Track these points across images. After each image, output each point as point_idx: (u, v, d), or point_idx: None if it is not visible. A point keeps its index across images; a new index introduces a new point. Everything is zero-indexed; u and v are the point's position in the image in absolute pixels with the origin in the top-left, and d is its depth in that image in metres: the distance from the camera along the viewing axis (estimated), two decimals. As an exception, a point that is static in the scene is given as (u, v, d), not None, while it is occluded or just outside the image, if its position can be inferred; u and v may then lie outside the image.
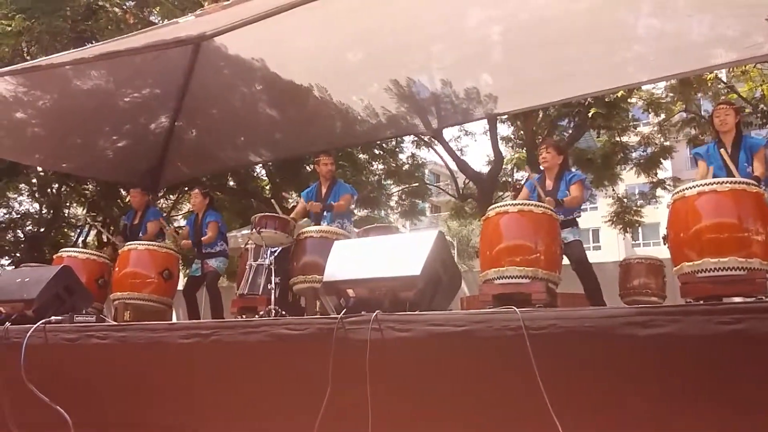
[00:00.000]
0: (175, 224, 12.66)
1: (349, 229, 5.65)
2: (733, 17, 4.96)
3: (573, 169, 5.52)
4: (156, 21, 10.26)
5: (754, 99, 11.32)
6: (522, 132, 12.73)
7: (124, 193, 12.10)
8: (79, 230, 14.95)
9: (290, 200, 13.25)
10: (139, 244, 5.61)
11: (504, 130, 13.80)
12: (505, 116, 11.79)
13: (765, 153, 4.27)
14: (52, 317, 3.98)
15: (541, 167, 4.95)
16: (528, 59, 5.81)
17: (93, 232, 14.92)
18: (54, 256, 5.88)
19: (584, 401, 2.60)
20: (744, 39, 4.97)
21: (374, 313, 3.02)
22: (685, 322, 2.50)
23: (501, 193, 13.05)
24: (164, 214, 11.34)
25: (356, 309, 3.17)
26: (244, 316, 4.95)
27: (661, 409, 2.51)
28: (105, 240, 7.20)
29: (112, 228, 12.55)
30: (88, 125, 7.18)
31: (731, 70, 10.69)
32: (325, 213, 5.60)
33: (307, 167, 11.72)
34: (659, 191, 13.17)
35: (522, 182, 5.08)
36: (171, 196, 13.77)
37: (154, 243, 5.80)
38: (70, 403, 3.56)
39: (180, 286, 6.22)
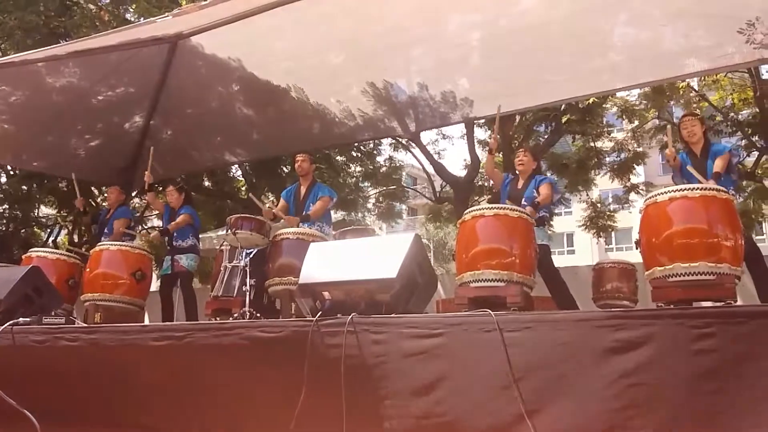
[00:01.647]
0: (149, 224, 12.49)
1: (327, 231, 5.62)
2: (706, 28, 5.08)
3: (548, 174, 5.63)
4: (132, 19, 10.12)
5: (724, 107, 11.56)
6: (499, 136, 12.81)
7: (96, 192, 11.91)
8: (49, 230, 14.66)
9: (267, 202, 13.15)
10: (111, 245, 5.52)
11: (481, 134, 13.90)
12: (483, 120, 11.86)
13: (729, 157, 4.38)
14: (20, 318, 3.90)
15: (516, 170, 5.11)
16: (506, 65, 5.87)
17: (64, 232, 14.65)
18: (23, 256, 5.77)
19: (559, 403, 2.62)
20: (716, 49, 5.08)
21: (350, 316, 3.02)
22: (655, 326, 2.54)
23: (477, 197, 13.11)
24: (137, 214, 11.19)
25: (332, 311, 3.16)
26: (218, 318, 4.90)
27: (636, 411, 2.54)
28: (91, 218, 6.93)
29: (83, 228, 12.34)
30: (61, 123, 7.06)
31: (703, 78, 10.90)
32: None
33: (284, 168, 11.65)
34: (632, 196, 13.35)
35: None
36: (145, 197, 13.59)
37: (126, 243, 5.72)
38: (37, 407, 3.49)
39: (153, 288, 6.15)
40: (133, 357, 3.54)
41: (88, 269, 5.43)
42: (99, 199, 12.10)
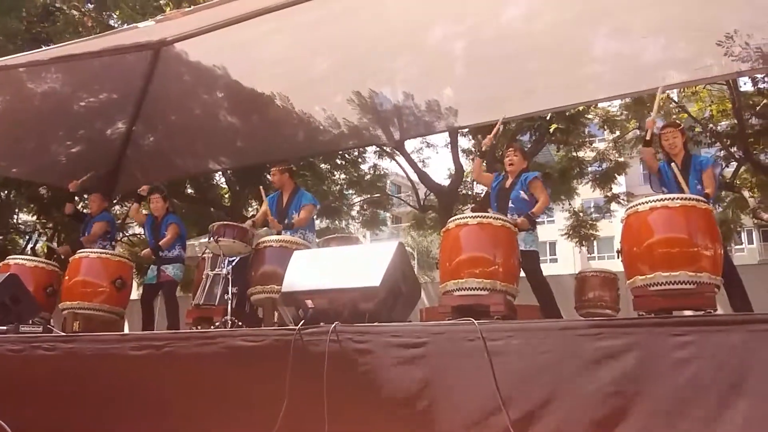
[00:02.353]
0: (130, 232, 12.35)
1: (311, 239, 5.60)
2: (685, 40, 5.16)
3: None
4: (115, 25, 10.06)
5: (703, 119, 11.76)
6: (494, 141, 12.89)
7: (77, 199, 11.74)
8: (28, 237, 14.44)
9: (251, 209, 13.09)
10: (91, 252, 5.44)
11: (465, 143, 13.99)
12: (467, 129, 11.93)
13: (713, 171, 4.43)
14: (-4, 327, 3.84)
15: (506, 169, 5.08)
16: (489, 74, 5.90)
17: (42, 239, 14.44)
18: (0, 264, 5.66)
19: (542, 411, 2.63)
20: (695, 61, 5.16)
21: (333, 325, 3.00)
22: (637, 335, 2.56)
23: (461, 206, 13.16)
24: (118, 221, 11.05)
25: (315, 320, 3.14)
26: (199, 327, 4.85)
27: (618, 419, 2.55)
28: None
29: (62, 235, 12.18)
30: (42, 129, 6.97)
31: (682, 90, 11.08)
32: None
33: (268, 176, 11.60)
34: (614, 205, 13.50)
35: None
36: (127, 204, 13.46)
37: (106, 251, 5.64)
38: (13, 417, 3.42)
39: (134, 296, 6.07)
40: (111, 366, 3.49)
41: (67, 277, 5.35)
42: (80, 206, 11.94)
